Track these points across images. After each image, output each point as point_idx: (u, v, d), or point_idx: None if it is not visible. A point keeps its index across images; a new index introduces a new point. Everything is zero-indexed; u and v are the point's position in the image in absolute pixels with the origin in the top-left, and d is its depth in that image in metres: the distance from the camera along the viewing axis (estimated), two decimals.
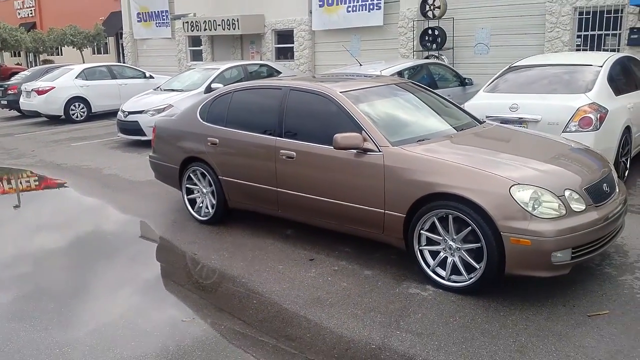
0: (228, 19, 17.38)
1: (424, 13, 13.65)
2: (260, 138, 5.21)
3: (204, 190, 5.82)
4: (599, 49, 11.52)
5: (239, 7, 17.64)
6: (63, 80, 14.49)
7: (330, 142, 4.50)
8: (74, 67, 15.15)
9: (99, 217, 6.53)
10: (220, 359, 3.36)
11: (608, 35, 11.58)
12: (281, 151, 5.00)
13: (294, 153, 4.92)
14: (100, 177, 8.35)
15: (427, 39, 13.78)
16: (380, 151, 4.38)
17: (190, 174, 5.89)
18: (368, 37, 15.62)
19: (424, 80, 8.99)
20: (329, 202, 4.72)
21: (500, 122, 6.40)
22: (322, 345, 3.49)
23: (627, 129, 6.58)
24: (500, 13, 13.02)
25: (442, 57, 13.65)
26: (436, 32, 13.57)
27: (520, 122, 6.33)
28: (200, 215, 5.91)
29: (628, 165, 6.79)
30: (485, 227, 3.81)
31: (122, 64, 17.43)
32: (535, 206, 3.74)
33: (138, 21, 21.62)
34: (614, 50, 11.21)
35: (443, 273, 4.14)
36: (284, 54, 17.61)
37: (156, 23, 20.85)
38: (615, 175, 4.52)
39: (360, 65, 9.07)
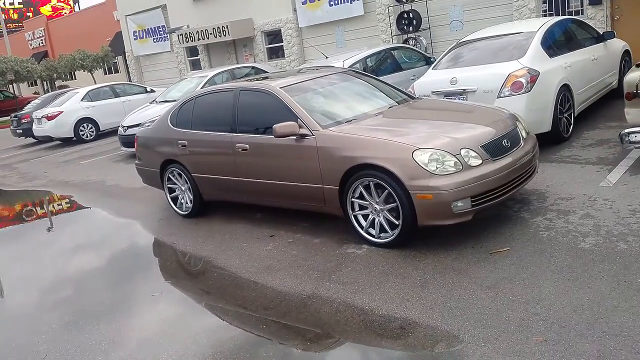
0: (218, 27, 18.17)
1: None
2: (220, 135, 5.95)
3: (182, 188, 6.59)
4: (564, 12, 11.94)
5: (228, 14, 18.41)
6: (70, 104, 15.49)
7: None
8: (79, 91, 16.15)
9: (98, 221, 7.39)
10: (184, 319, 4.13)
11: None
12: (237, 145, 5.73)
13: (247, 145, 5.65)
14: (103, 188, 9.23)
15: (403, 22, 14.34)
16: (313, 135, 5.08)
17: (169, 175, 6.66)
18: (351, 27, 16.23)
19: (389, 64, 9.62)
20: (280, 184, 5.44)
21: (445, 96, 7.07)
22: (262, 300, 4.23)
23: (565, 87, 7.10)
24: None
25: (420, 38, 14.22)
26: (411, 15, 14.13)
27: (461, 93, 6.94)
28: (182, 211, 6.69)
29: (572, 121, 7.31)
30: (398, 188, 4.48)
31: (124, 82, 18.40)
32: (437, 165, 4.39)
33: (134, 39, 22.64)
34: (577, 12, 11.66)
35: (374, 232, 4.83)
36: (276, 53, 18.33)
37: (154, 39, 21.83)
38: (522, 131, 5.11)
39: (327, 57, 9.73)
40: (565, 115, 7.16)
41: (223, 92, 6.17)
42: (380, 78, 6.58)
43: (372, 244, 4.84)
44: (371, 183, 4.68)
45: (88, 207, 8.39)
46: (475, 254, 4.39)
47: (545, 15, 12.24)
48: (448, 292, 3.86)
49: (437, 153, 4.42)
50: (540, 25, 7.50)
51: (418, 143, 4.51)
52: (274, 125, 5.13)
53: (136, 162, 7.30)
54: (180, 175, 6.53)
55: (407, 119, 5.34)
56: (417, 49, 11.45)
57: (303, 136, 5.13)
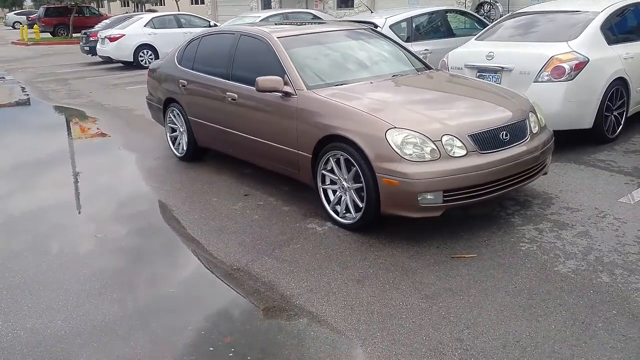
0: None
1: None
2: (214, 81, 5.59)
3: (181, 130, 6.34)
4: None
5: None
6: (133, 28, 15.58)
7: None
8: (143, 16, 16.19)
9: (98, 149, 7.34)
10: (116, 266, 3.92)
11: None
12: (227, 93, 5.37)
13: (236, 95, 5.27)
14: (128, 117, 9.18)
15: None
16: (296, 94, 4.62)
17: (170, 114, 6.42)
18: None
19: (440, 28, 8.82)
20: (261, 142, 5.05)
21: (478, 71, 6.35)
22: (192, 264, 3.98)
23: (621, 81, 6.17)
24: None
25: (497, 4, 13.13)
26: None
27: (495, 71, 6.17)
28: (178, 152, 6.46)
29: (623, 121, 6.39)
30: (365, 167, 3.99)
31: (189, 13, 18.23)
32: (414, 150, 3.84)
33: None
34: None
35: (340, 210, 4.38)
36: (345, 2, 17.58)
37: None
38: (533, 124, 4.41)
39: (372, 12, 9.04)
40: (615, 113, 6.26)
41: (226, 35, 5.77)
42: (404, 43, 5.95)
43: (335, 223, 4.41)
44: (341, 157, 4.21)
45: (102, 133, 8.30)
46: (436, 254, 3.86)
47: None
48: (381, 293, 3.40)
49: (414, 136, 3.87)
50: (608, 5, 6.49)
51: (394, 120, 3.97)
52: (258, 78, 4.70)
53: (146, 95, 7.11)
54: (179, 115, 6.28)
55: (404, 91, 4.75)
56: (476, 14, 10.43)
57: (287, 94, 4.68)
